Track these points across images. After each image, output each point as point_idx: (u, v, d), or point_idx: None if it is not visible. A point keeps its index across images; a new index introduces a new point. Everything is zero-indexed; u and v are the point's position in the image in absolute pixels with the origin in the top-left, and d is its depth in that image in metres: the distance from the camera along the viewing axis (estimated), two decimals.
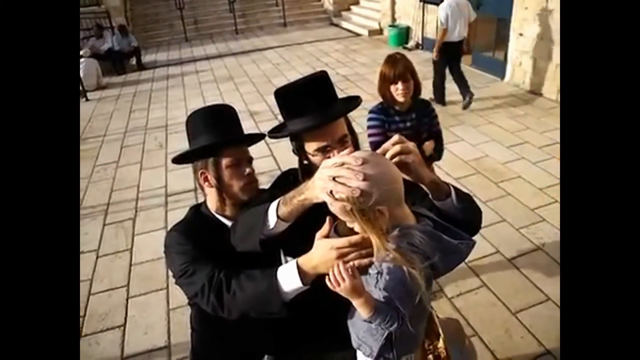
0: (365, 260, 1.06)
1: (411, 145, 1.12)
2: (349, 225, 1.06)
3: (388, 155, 1.08)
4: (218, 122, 1.47)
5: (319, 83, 1.30)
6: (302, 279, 1.14)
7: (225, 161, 1.44)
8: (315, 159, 1.29)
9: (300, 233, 1.16)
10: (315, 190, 1.06)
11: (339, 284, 0.99)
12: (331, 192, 1.00)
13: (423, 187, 1.21)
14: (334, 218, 1.12)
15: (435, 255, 1.01)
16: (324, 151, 1.27)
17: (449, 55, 6.01)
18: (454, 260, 1.08)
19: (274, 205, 1.16)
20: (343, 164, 1.01)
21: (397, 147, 1.10)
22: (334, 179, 1.00)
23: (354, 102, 1.34)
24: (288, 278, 1.16)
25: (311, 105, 1.25)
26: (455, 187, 1.22)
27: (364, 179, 0.97)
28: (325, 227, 1.12)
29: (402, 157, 1.10)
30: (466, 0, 5.92)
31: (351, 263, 1.03)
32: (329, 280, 1.00)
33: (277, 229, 1.16)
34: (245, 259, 1.32)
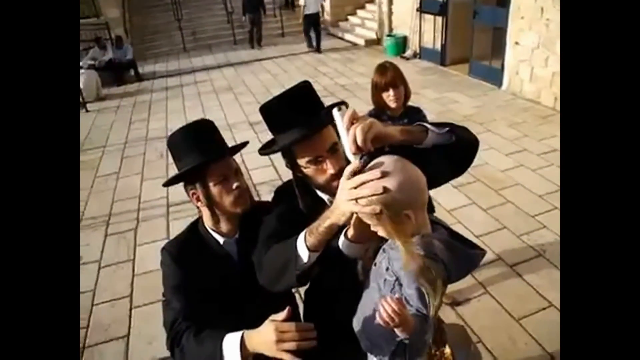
0: (305, 343, 1.08)
1: (363, 117, 1.07)
2: (373, 228, 1.06)
3: (360, 141, 1.01)
4: (198, 141, 1.44)
5: (302, 94, 1.28)
6: (241, 354, 1.17)
7: (212, 179, 1.42)
8: (308, 171, 1.29)
9: None
10: (338, 211, 1.05)
11: (393, 320, 0.96)
12: (357, 200, 1.00)
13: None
14: (341, 228, 1.13)
15: (452, 264, 1.02)
16: (316, 162, 1.26)
17: (310, 20, 10.85)
18: (466, 269, 1.10)
19: (301, 239, 1.13)
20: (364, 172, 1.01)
21: (361, 128, 1.02)
22: (356, 187, 1.00)
23: (339, 108, 1.33)
24: (231, 349, 1.19)
25: (297, 118, 1.24)
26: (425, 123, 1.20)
27: (389, 180, 0.98)
28: (283, 313, 1.13)
29: (373, 131, 1.03)
30: None
31: (396, 295, 1.01)
32: (381, 318, 0.97)
33: (311, 261, 1.13)
34: (224, 284, 1.43)
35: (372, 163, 1.03)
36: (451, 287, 3.02)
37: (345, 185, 1.03)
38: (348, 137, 1.03)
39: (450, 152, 1.18)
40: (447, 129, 1.18)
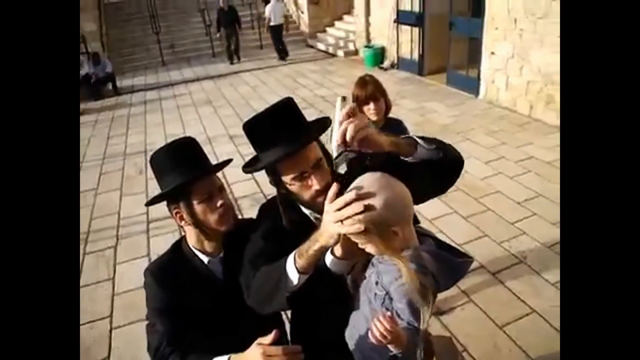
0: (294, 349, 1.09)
1: (361, 117, 1.10)
2: (361, 246, 1.06)
3: (349, 137, 1.04)
4: (181, 159, 1.42)
5: (285, 111, 1.28)
6: None
7: (195, 198, 1.41)
8: (293, 188, 1.29)
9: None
10: (326, 234, 1.05)
11: (385, 338, 0.96)
12: (342, 221, 1.00)
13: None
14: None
15: (441, 275, 1.03)
16: (301, 178, 1.26)
17: (276, 31, 11.59)
18: (454, 279, 1.11)
19: (291, 262, 1.13)
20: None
21: (353, 126, 1.05)
22: (339, 209, 1.00)
23: (323, 124, 1.33)
24: None
25: (281, 135, 1.23)
26: (415, 136, 1.23)
27: (375, 198, 0.98)
28: (270, 336, 1.14)
29: (362, 133, 1.06)
30: (281, 2, 11.84)
31: (387, 313, 1.01)
32: (374, 336, 0.97)
33: (300, 283, 1.13)
34: (209, 305, 1.42)
35: (356, 182, 1.04)
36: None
37: (329, 208, 1.03)
38: (340, 128, 1.05)
39: (436, 169, 1.20)
40: (435, 145, 1.21)
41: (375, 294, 1.10)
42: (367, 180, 1.03)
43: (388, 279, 1.06)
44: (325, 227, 1.05)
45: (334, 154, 1.07)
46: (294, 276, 1.11)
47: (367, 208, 0.98)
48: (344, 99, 1.13)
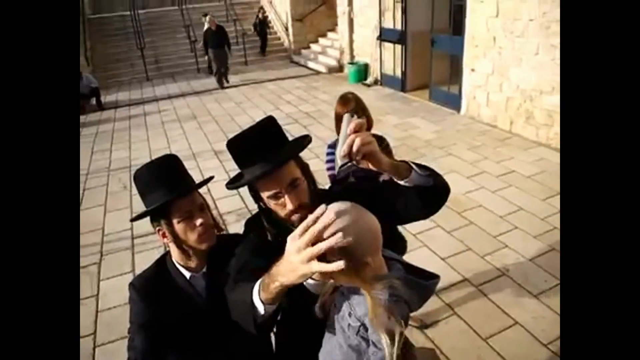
0: None
1: (368, 133, 1.14)
2: (329, 276, 1.05)
3: (355, 148, 1.08)
4: (161, 177, 1.44)
5: (265, 130, 1.32)
6: None
7: (175, 216, 1.42)
8: (270, 205, 1.33)
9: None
10: (299, 272, 0.98)
11: None
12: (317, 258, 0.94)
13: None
14: None
15: (412, 299, 1.06)
16: (276, 197, 1.29)
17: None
18: (423, 300, 1.14)
19: (255, 293, 1.11)
20: (309, 226, 0.96)
21: (360, 139, 1.09)
22: (312, 244, 0.95)
23: (301, 144, 1.35)
24: None
25: (259, 153, 1.27)
26: (410, 161, 1.27)
27: (348, 229, 0.97)
28: None
29: (368, 147, 1.11)
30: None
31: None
32: None
33: (268, 312, 1.12)
34: (190, 324, 1.43)
35: (328, 208, 0.99)
36: (419, 310, 3.07)
37: (296, 246, 0.97)
38: (347, 140, 1.10)
39: (427, 194, 1.25)
40: (428, 172, 1.26)
41: (349, 325, 1.11)
42: (337, 211, 0.99)
43: (362, 310, 1.07)
44: (293, 267, 0.98)
45: (339, 164, 1.11)
46: (260, 307, 1.12)
47: (344, 236, 0.93)
48: (352, 115, 1.20)
